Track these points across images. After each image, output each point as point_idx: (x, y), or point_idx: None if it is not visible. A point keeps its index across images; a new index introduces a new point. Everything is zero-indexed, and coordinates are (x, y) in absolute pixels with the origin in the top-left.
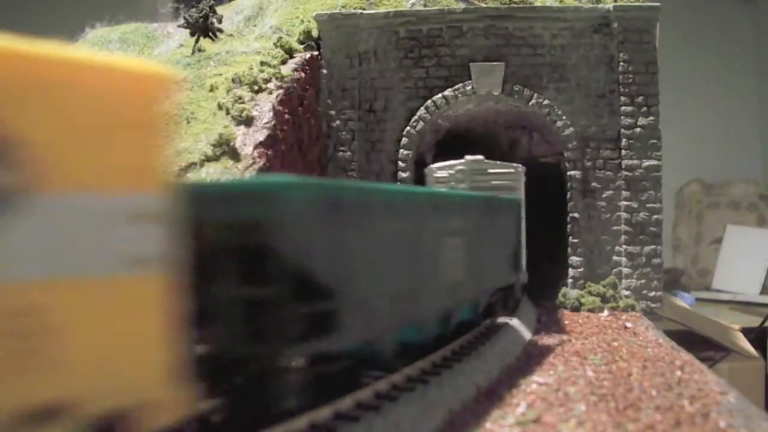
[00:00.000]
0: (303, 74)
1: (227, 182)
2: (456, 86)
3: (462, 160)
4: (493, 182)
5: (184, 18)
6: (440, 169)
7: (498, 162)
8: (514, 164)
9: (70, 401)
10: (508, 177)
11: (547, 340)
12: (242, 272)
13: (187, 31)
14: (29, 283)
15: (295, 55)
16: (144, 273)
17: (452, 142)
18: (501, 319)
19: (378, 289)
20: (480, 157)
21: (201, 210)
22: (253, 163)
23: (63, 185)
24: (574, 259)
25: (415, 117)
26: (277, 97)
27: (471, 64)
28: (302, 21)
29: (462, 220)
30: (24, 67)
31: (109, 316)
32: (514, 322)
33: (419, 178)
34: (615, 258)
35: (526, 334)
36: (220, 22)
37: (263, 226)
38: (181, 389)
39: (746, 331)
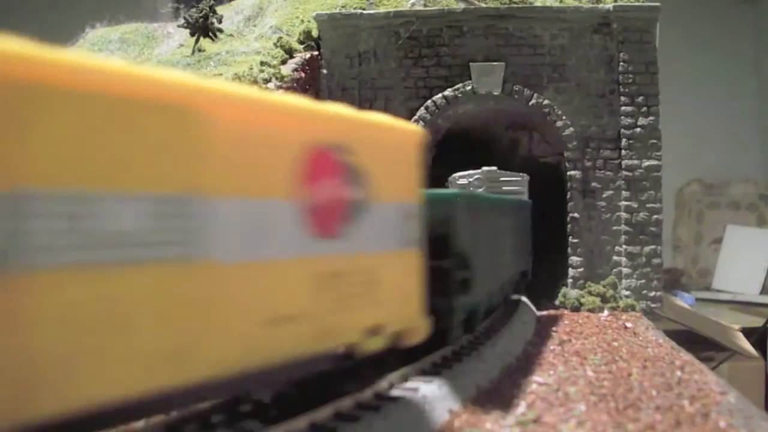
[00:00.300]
0: (303, 74)
1: (434, 192)
2: (456, 86)
3: (479, 170)
4: (504, 188)
5: (184, 18)
6: (461, 178)
7: (508, 172)
8: (521, 174)
9: (383, 324)
10: (516, 183)
11: (547, 340)
12: (436, 250)
13: (187, 31)
14: (371, 254)
15: (295, 55)
16: (410, 249)
17: (452, 142)
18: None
19: (483, 265)
20: (494, 168)
21: (425, 211)
22: None
23: (381, 198)
24: (574, 259)
25: (415, 117)
26: None
27: (471, 64)
28: (302, 21)
29: (509, 217)
30: (365, 131)
31: (398, 275)
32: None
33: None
34: (615, 258)
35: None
36: (220, 22)
37: (446, 220)
38: (425, 321)
39: (749, 332)
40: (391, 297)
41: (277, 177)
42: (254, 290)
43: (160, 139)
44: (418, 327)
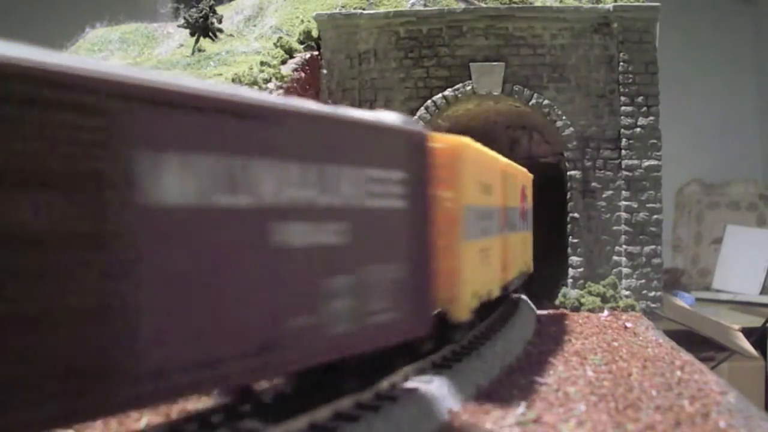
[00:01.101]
0: (303, 74)
1: None
2: (456, 86)
3: None
4: None
5: (184, 18)
6: None
7: None
8: None
9: (527, 266)
10: None
11: (547, 340)
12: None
13: (187, 31)
14: (525, 232)
15: (295, 55)
16: (527, 231)
17: None
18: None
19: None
20: None
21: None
22: None
23: (527, 204)
24: (574, 259)
25: (415, 117)
26: None
27: (471, 64)
28: (302, 21)
29: None
30: (525, 175)
31: (528, 243)
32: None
33: None
34: (615, 258)
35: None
36: (220, 22)
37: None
38: (532, 264)
39: (749, 332)
40: (527, 252)
41: (518, 198)
42: (514, 245)
43: (499, 183)
44: (531, 268)
